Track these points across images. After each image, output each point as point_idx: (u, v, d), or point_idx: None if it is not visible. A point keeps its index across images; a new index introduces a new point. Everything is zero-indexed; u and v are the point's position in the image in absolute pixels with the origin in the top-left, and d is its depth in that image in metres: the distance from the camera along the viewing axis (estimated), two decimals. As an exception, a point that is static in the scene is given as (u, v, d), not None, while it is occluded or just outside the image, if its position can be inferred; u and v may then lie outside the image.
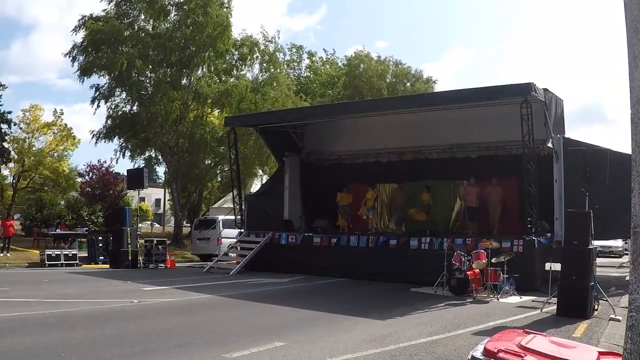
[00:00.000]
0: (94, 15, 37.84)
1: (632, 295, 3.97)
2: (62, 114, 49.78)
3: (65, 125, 49.08)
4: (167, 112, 37.47)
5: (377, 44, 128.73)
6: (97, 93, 38.64)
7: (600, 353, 5.54)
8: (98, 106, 38.89)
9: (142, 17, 39.10)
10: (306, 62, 57.36)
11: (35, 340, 9.88)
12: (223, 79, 40.35)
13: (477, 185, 24.79)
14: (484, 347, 5.51)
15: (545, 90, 19.92)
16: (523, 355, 5.16)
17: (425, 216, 25.40)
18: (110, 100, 39.40)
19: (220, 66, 40.62)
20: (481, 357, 5.41)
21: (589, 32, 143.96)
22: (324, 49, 64.00)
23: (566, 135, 21.55)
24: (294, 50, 57.12)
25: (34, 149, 47.80)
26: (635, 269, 3.96)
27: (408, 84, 52.91)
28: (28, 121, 47.32)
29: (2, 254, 27.11)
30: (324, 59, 58.02)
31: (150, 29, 38.92)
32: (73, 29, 37.77)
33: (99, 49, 36.43)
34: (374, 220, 27.47)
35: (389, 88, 48.99)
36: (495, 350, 5.29)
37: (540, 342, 5.64)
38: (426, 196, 25.69)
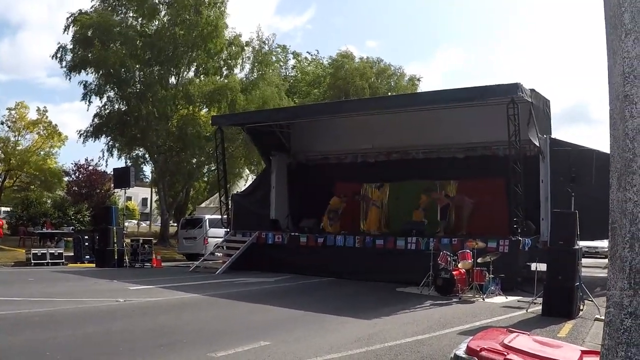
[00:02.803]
0: (83, 11, 37.76)
1: (610, 291, 3.98)
2: (46, 111, 49.46)
3: (50, 122, 48.96)
4: (156, 110, 37.46)
5: (367, 44, 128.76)
6: (86, 90, 38.52)
7: (583, 352, 5.56)
8: (90, 102, 38.81)
9: (131, 14, 39.03)
10: (292, 62, 57.37)
11: (21, 339, 9.84)
12: (213, 78, 40.18)
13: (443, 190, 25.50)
14: (467, 346, 5.51)
15: (532, 90, 19.98)
16: (506, 353, 5.16)
17: (423, 217, 25.13)
18: (99, 96, 39.27)
19: (211, 65, 40.52)
20: (464, 356, 5.41)
21: (576, 31, 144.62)
22: (307, 51, 63.83)
23: (553, 136, 21.65)
24: (279, 50, 57.10)
25: (19, 147, 47.61)
26: (613, 265, 3.97)
27: (392, 82, 52.76)
28: (14, 119, 47.10)
29: None
30: (309, 60, 58.00)
31: (139, 27, 38.79)
32: (64, 29, 37.66)
33: (89, 44, 36.37)
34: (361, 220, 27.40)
35: (371, 87, 48.82)
36: (478, 349, 5.29)
37: (523, 341, 5.65)
38: (424, 198, 25.33)
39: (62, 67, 37.76)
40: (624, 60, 3.89)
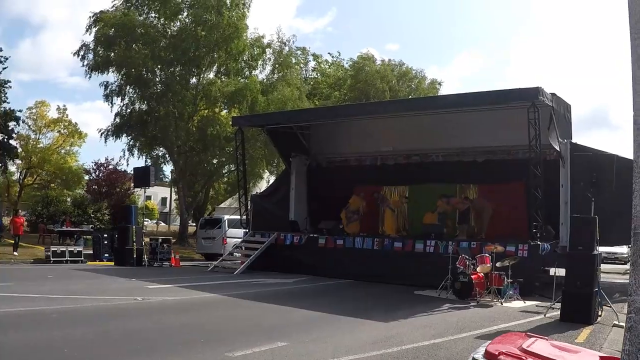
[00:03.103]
0: (104, 11, 37.99)
1: (632, 296, 3.96)
2: (66, 109, 49.85)
3: (70, 121, 49.33)
4: (177, 110, 37.64)
5: (388, 47, 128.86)
6: (108, 90, 38.82)
7: (602, 357, 5.53)
8: (112, 103, 39.18)
9: (153, 14, 39.16)
10: (312, 64, 57.17)
11: (38, 335, 9.92)
12: (234, 79, 40.14)
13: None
14: (485, 350, 5.50)
15: (553, 94, 19.87)
16: (524, 358, 5.14)
17: (436, 220, 24.91)
18: (120, 97, 39.50)
19: (232, 66, 40.61)
20: (482, 360, 5.41)
21: (596, 36, 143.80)
22: (329, 53, 63.38)
23: (573, 140, 21.51)
24: (299, 52, 56.99)
25: (40, 145, 47.98)
26: (635, 271, 3.95)
27: (413, 86, 52.54)
28: (35, 117, 47.48)
29: (15, 253, 26.90)
30: (330, 62, 57.80)
31: (160, 27, 38.92)
32: (86, 29, 37.90)
33: (112, 44, 36.59)
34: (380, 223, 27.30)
35: (392, 90, 48.67)
36: (497, 353, 5.28)
37: (541, 345, 5.63)
38: (441, 204, 25.09)
39: (83, 65, 38.09)
40: (648, 66, 3.87)
